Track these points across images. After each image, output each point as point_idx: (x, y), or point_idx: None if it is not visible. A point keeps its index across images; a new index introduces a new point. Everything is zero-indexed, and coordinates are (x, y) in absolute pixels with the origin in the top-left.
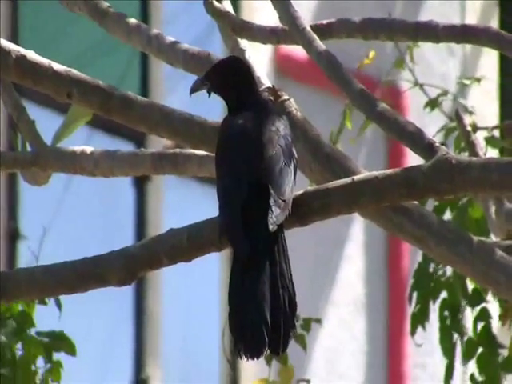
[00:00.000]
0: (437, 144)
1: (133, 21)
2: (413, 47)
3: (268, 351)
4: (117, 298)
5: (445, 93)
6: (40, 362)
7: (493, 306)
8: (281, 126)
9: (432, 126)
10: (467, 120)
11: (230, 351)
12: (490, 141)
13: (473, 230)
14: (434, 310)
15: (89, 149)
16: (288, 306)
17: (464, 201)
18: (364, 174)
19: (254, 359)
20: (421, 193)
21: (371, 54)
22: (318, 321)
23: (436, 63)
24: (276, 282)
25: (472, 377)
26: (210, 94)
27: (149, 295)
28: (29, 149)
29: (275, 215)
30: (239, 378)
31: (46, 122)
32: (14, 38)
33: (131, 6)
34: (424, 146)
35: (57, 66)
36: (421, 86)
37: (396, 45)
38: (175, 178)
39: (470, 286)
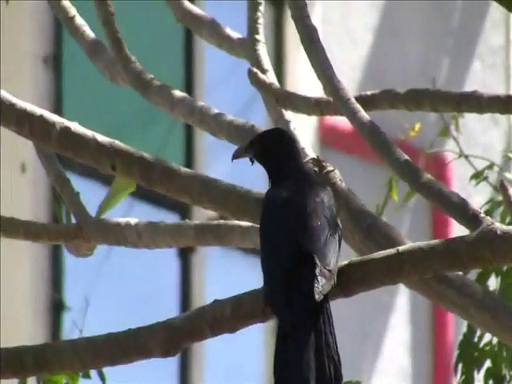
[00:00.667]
0: (482, 215)
1: (177, 92)
2: (458, 116)
3: None
4: (161, 369)
5: (491, 165)
6: None
7: None
8: (325, 197)
9: (477, 196)
10: None
11: None
12: None
13: None
14: (479, 380)
15: (133, 220)
16: (334, 376)
17: (506, 267)
18: (408, 245)
19: None
20: (463, 263)
21: (417, 126)
22: (358, 383)
23: (479, 133)
24: (321, 352)
25: None
26: (252, 162)
27: (193, 366)
28: (73, 220)
29: (321, 285)
30: None
31: (90, 193)
32: (57, 110)
33: (175, 75)
34: (469, 217)
35: (101, 138)
36: (466, 157)
37: (440, 114)
38: (220, 248)
39: None
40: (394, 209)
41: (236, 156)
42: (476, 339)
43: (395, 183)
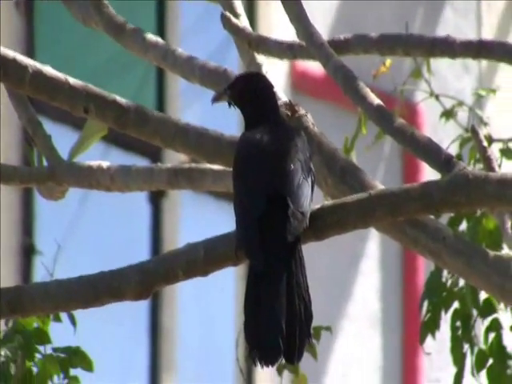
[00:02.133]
0: (454, 159)
1: (150, 36)
2: (429, 60)
3: (283, 359)
4: (132, 313)
5: (460, 103)
6: (56, 379)
7: (505, 316)
8: (299, 142)
9: (447, 140)
10: (482, 131)
11: (244, 362)
12: (505, 152)
13: (486, 242)
14: (446, 320)
15: (105, 164)
16: (304, 315)
17: (479, 213)
18: (381, 189)
19: (268, 366)
20: (436, 207)
21: (387, 62)
22: (328, 329)
23: (451, 80)
24: (292, 291)
25: None
26: (230, 105)
27: (164, 310)
28: (45, 164)
29: (293, 227)
30: None
31: (62, 138)
32: (30, 53)
33: (147, 21)
34: (441, 161)
35: (73, 81)
36: (436, 96)
37: (413, 58)
38: (191, 193)
39: (482, 296)
40: (365, 147)
41: (215, 99)
42: (444, 279)
43: (365, 120)
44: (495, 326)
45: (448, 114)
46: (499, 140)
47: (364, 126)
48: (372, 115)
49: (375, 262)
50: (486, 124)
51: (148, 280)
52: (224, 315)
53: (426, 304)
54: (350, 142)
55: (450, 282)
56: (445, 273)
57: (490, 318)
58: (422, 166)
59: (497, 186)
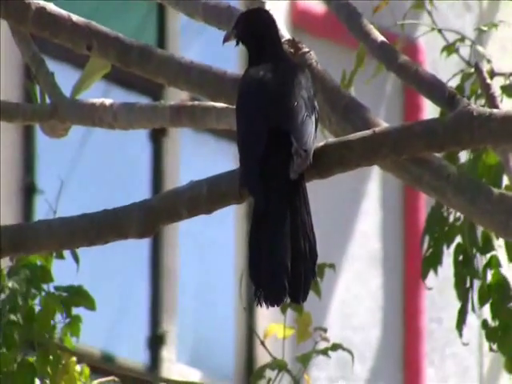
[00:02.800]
0: (458, 96)
1: None
2: None
3: (288, 299)
4: (133, 252)
5: (462, 38)
6: (58, 317)
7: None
8: (303, 79)
9: (447, 78)
10: (485, 68)
11: (246, 299)
12: (505, 89)
13: (485, 177)
14: (449, 254)
15: (108, 101)
16: (309, 254)
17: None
18: (384, 126)
19: (274, 306)
20: (441, 144)
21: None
22: (332, 266)
23: (452, 19)
24: (297, 230)
25: (484, 322)
26: (237, 43)
27: (165, 249)
28: (47, 101)
29: (297, 164)
30: (255, 328)
31: (65, 77)
32: None
33: None
34: (445, 98)
35: (76, 18)
36: (439, 30)
37: None
38: (192, 132)
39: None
40: (366, 80)
41: (225, 40)
42: (445, 214)
43: (364, 53)
44: (494, 263)
45: (450, 48)
46: (501, 74)
47: (362, 62)
48: (375, 52)
49: (376, 202)
50: (489, 61)
51: (151, 218)
52: (225, 254)
53: (427, 239)
54: (349, 77)
55: (451, 217)
56: (446, 207)
57: (488, 255)
58: (423, 105)
59: (501, 123)
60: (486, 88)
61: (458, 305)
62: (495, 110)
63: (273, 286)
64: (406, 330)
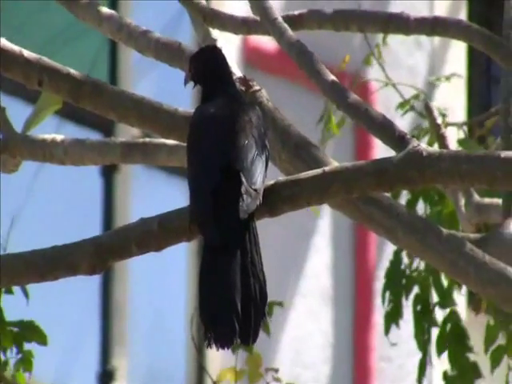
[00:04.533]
0: (408, 136)
1: (104, 9)
2: (381, 45)
3: (238, 341)
4: (84, 288)
5: (416, 96)
6: (9, 353)
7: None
8: (254, 117)
9: (400, 119)
10: (439, 120)
11: (197, 339)
12: (463, 143)
13: (444, 225)
14: (408, 306)
15: (59, 137)
16: (259, 295)
17: (436, 198)
18: (335, 165)
19: (224, 349)
20: (390, 183)
21: (347, 57)
22: (280, 304)
23: (404, 57)
24: (247, 270)
25: (444, 374)
26: (195, 84)
27: (116, 285)
28: None
29: (246, 204)
30: (206, 367)
31: (16, 111)
32: None
33: None
34: (395, 138)
35: (28, 54)
36: (393, 85)
37: (366, 39)
38: (143, 168)
39: (444, 281)
40: (327, 137)
41: (185, 82)
42: (403, 267)
43: (332, 113)
44: (453, 318)
45: (403, 105)
46: (453, 124)
47: (333, 125)
48: (326, 90)
49: (327, 239)
50: (443, 115)
51: (102, 254)
52: (176, 290)
53: (387, 295)
54: (321, 140)
55: (408, 271)
56: (404, 260)
57: (447, 310)
58: (374, 143)
59: (450, 163)
60: (437, 128)
61: (408, 343)
62: (445, 151)
63: (222, 328)
64: (355, 368)
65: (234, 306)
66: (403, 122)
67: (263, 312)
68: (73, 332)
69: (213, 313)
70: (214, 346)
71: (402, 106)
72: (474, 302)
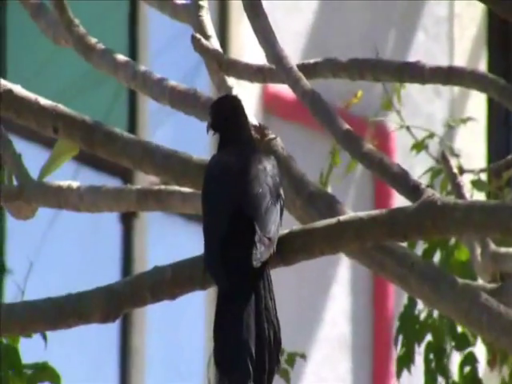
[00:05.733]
0: (422, 186)
1: (120, 56)
2: (400, 89)
3: None
4: (103, 334)
5: (431, 135)
6: None
7: (480, 349)
8: (268, 166)
9: (419, 167)
10: (453, 162)
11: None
12: (476, 184)
13: (458, 273)
14: (419, 352)
15: (75, 184)
16: (273, 340)
17: (451, 243)
18: (349, 215)
19: None
20: (404, 232)
21: (359, 93)
22: (303, 356)
23: (423, 104)
24: (261, 316)
25: None
26: (214, 133)
27: (134, 331)
28: (14, 182)
29: (260, 252)
30: None
31: (33, 157)
32: (1, 71)
33: (119, 41)
34: (409, 188)
35: (43, 101)
36: (407, 127)
37: (383, 85)
38: (161, 214)
39: (459, 329)
40: (337, 179)
41: (207, 131)
42: (417, 312)
43: (338, 151)
44: (470, 360)
45: (419, 145)
46: (470, 171)
47: (337, 158)
48: (340, 139)
49: (345, 286)
50: (457, 155)
51: (115, 302)
52: (193, 336)
53: (400, 338)
54: (325, 177)
55: (422, 315)
56: (418, 306)
57: (465, 352)
58: (393, 191)
59: (464, 213)
60: (453, 177)
61: None
62: (460, 201)
63: (237, 373)
64: None
65: (248, 351)
66: (421, 169)
67: (277, 358)
68: (91, 375)
69: (227, 357)
70: None
71: (416, 146)
72: (489, 357)
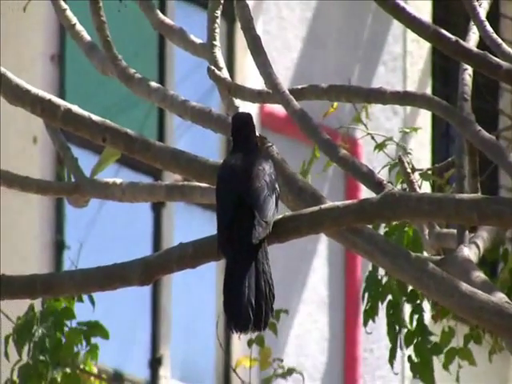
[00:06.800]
0: (385, 182)
1: (153, 84)
2: (367, 107)
3: (253, 327)
4: (137, 297)
5: (389, 138)
6: (80, 347)
7: (426, 305)
8: (266, 167)
9: (379, 167)
10: (407, 161)
11: (222, 337)
12: (423, 175)
13: (411, 249)
14: (382, 308)
15: (118, 180)
16: (268, 294)
17: (405, 228)
18: (329, 204)
19: (242, 333)
20: (370, 218)
21: (335, 104)
22: (286, 311)
23: (383, 121)
24: (259, 275)
25: (409, 358)
26: (229, 139)
27: (162, 294)
28: (72, 179)
29: (258, 232)
30: (229, 357)
31: (86, 160)
32: (62, 95)
33: (151, 70)
34: (375, 183)
35: (94, 117)
36: (372, 136)
37: (353, 105)
38: (184, 204)
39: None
40: (316, 174)
41: (229, 139)
42: (379, 277)
43: (317, 150)
44: (418, 310)
45: (380, 146)
46: (419, 169)
47: (317, 152)
48: (322, 147)
49: (324, 259)
50: (409, 153)
51: (149, 270)
52: (208, 299)
53: (366, 296)
54: (307, 166)
55: (384, 279)
56: (380, 272)
57: (414, 304)
58: (361, 185)
59: (416, 203)
60: (407, 176)
61: (385, 340)
62: (413, 193)
63: (241, 318)
64: (345, 357)
65: (249, 301)
66: (380, 167)
67: (272, 306)
68: (129, 329)
69: (233, 307)
70: (234, 331)
71: (378, 146)
72: (434, 313)
